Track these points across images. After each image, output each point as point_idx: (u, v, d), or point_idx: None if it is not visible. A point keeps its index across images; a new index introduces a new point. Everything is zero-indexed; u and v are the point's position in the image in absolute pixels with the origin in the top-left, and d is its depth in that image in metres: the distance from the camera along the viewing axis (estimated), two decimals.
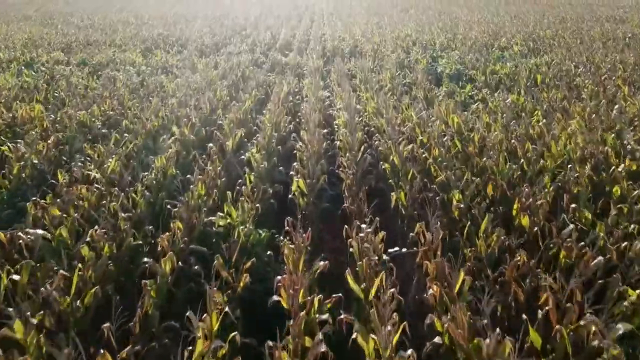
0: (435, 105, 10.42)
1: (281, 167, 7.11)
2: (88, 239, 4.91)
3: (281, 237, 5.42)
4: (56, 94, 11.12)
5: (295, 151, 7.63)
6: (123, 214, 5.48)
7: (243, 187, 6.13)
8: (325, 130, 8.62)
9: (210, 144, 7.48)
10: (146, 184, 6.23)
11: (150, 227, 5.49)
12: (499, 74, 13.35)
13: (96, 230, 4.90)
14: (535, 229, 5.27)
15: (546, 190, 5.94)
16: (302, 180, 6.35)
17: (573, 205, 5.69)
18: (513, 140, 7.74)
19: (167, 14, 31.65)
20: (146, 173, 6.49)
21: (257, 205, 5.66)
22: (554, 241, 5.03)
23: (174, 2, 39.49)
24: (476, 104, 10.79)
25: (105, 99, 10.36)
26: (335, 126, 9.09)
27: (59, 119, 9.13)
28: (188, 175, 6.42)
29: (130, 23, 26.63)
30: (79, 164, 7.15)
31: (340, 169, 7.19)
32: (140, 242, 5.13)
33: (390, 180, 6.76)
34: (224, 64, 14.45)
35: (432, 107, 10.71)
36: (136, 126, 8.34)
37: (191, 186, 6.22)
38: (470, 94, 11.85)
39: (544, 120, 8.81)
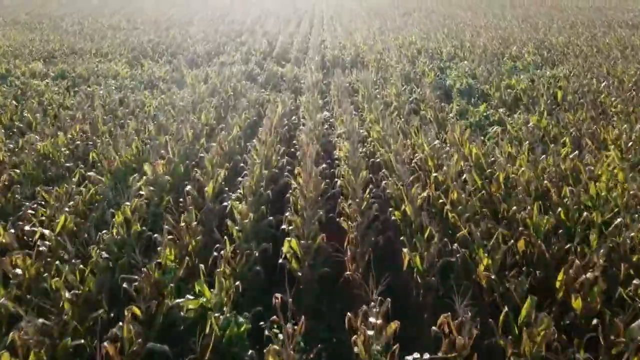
0: (447, 128, 9.27)
1: (271, 217, 5.93)
2: (10, 339, 3.75)
3: (268, 327, 4.24)
4: (25, 115, 9.93)
5: (288, 194, 6.47)
6: (67, 294, 4.33)
7: (222, 251, 4.96)
8: (324, 165, 7.46)
9: (188, 187, 6.31)
10: (103, 247, 5.06)
11: (101, 311, 4.32)
12: (515, 90, 12.18)
13: (21, 330, 3.72)
14: (595, 321, 4.08)
15: (599, 259, 4.74)
16: (295, 240, 5.18)
17: (635, 282, 4.52)
18: (546, 182, 6.56)
19: (162, 17, 30.46)
20: (105, 232, 5.31)
21: (237, 283, 4.50)
22: (622, 341, 3.87)
23: (173, 3, 38.31)
24: (493, 128, 9.62)
25: (76, 122, 9.20)
26: (336, 159, 7.92)
27: (19, 148, 7.98)
28: (155, 235, 5.23)
29: (122, 28, 25.44)
30: (31, 211, 6.00)
31: (342, 218, 6.03)
32: (82, 340, 3.96)
33: (403, 237, 5.58)
34: (215, 78, 13.27)
35: (443, 129, 9.57)
36: (105, 161, 7.16)
37: (159, 248, 5.06)
38: (485, 113, 10.67)
39: (576, 152, 7.63)
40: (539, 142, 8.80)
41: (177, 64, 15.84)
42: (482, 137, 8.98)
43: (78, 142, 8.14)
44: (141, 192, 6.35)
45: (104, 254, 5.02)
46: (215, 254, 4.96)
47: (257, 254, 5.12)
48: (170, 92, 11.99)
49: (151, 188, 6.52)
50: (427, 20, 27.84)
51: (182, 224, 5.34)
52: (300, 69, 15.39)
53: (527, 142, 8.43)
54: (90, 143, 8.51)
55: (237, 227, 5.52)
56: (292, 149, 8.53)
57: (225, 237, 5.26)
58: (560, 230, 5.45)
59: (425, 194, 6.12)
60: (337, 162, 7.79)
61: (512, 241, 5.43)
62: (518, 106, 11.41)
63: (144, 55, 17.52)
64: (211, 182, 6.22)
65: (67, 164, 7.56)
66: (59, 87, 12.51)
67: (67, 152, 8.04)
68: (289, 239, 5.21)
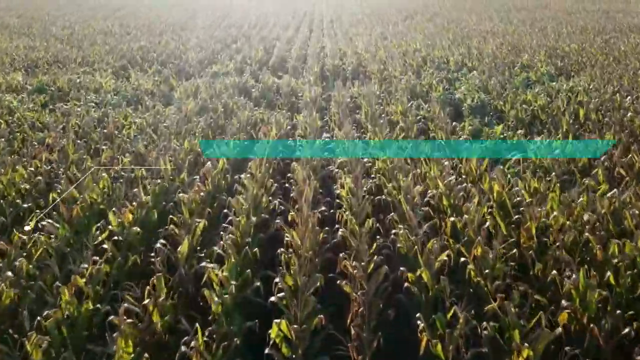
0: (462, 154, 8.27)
1: (258, 283, 4.88)
2: None
3: None
4: None
5: (280, 250, 5.43)
6: None
7: (194, 341, 3.93)
8: (323, 208, 6.41)
9: (160, 243, 5.27)
10: (43, 334, 4.01)
11: None
12: (532, 107, 11.14)
13: None
14: None
15: None
16: (285, 323, 4.15)
17: None
18: (586, 234, 5.51)
19: (157, 20, 29.39)
20: (47, 312, 4.25)
21: None
22: None
23: (172, 4, 37.21)
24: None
25: (44, 148, 8.17)
26: (337, 195, 6.87)
27: None
28: (112, 317, 4.18)
29: (113, 34, 24.36)
30: None
31: (345, 281, 5.00)
32: None
33: (418, 313, 4.54)
34: (205, 92, 12.23)
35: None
36: (63, 206, 6.10)
37: (115, 334, 4.03)
38: (502, 135, 9.63)
39: (614, 191, 6.57)
40: (567, 173, 7.79)
41: (166, 74, 14.80)
42: (502, 167, 7.95)
43: (39, 178, 7.07)
44: (104, 246, 5.31)
45: (44, 342, 3.98)
46: (184, 348, 3.91)
47: (238, 342, 4.08)
48: (154, 109, 10.95)
49: (117, 238, 5.50)
50: (430, 25, 26.78)
51: (147, 299, 4.31)
52: (298, 80, 14.34)
53: (554, 174, 7.42)
54: (57, 174, 7.49)
55: (216, 299, 4.49)
56: (287, 183, 7.49)
57: (202, 312, 4.22)
58: (618, 312, 4.38)
59: (444, 256, 5.06)
60: (337, 201, 6.74)
61: (560, 326, 4.39)
62: (536, 125, 10.38)
63: (133, 65, 16.45)
64: (187, 238, 5.16)
65: (25, 205, 6.51)
66: (35, 104, 11.46)
67: (29, 187, 6.99)
68: (278, 321, 4.18)
